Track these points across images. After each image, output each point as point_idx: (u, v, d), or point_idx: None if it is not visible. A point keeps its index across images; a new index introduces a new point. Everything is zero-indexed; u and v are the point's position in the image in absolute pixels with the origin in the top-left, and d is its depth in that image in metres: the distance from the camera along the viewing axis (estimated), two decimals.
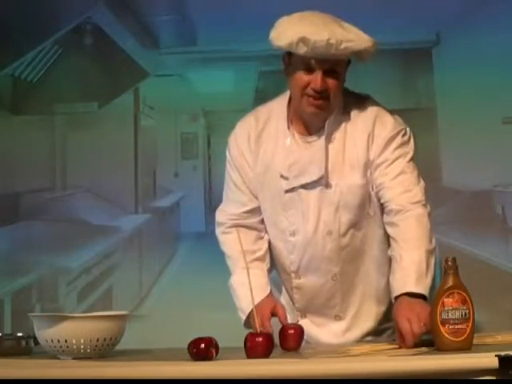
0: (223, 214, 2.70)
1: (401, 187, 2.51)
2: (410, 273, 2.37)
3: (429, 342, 2.25)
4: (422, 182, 2.54)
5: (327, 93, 2.49)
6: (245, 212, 2.66)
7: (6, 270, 4.17)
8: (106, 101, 4.30)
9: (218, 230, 2.73)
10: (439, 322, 2.19)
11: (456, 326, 2.18)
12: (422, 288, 2.35)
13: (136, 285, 4.24)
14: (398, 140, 2.56)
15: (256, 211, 2.67)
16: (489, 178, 4.06)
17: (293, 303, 2.67)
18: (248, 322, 2.54)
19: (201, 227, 4.29)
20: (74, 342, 2.22)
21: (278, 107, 2.65)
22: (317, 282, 2.62)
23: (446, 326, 2.18)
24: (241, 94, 4.19)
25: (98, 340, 2.23)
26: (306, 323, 2.60)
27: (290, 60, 2.51)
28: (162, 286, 4.25)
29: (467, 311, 2.19)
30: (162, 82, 4.32)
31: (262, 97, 4.12)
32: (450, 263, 2.22)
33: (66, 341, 2.22)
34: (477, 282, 3.82)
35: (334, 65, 2.47)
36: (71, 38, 4.27)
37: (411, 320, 2.25)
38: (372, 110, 2.59)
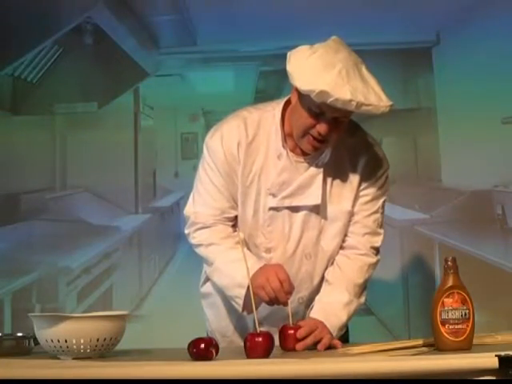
0: (200, 216, 2.62)
1: (368, 227, 2.62)
2: (334, 310, 2.53)
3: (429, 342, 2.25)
4: (383, 230, 2.67)
5: (330, 137, 2.49)
6: (223, 218, 2.60)
7: (6, 270, 4.17)
8: (106, 101, 4.30)
9: (192, 229, 2.64)
10: (439, 322, 2.19)
11: (456, 326, 2.18)
12: (335, 327, 2.49)
13: (136, 285, 4.23)
14: (384, 179, 2.63)
15: (233, 220, 2.62)
16: (489, 177, 4.05)
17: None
18: (247, 298, 2.48)
19: None
20: (74, 342, 2.22)
21: (268, 119, 2.59)
22: None
23: (446, 326, 2.18)
24: (241, 93, 4.18)
25: (98, 340, 2.24)
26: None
27: (302, 93, 2.44)
28: (162, 286, 4.24)
29: (467, 311, 2.19)
30: (162, 82, 4.31)
31: (262, 97, 4.13)
32: (450, 263, 2.22)
33: (66, 341, 2.22)
34: (477, 282, 3.83)
35: (344, 116, 2.46)
36: (71, 37, 4.27)
37: (314, 332, 2.41)
38: (366, 143, 2.63)
